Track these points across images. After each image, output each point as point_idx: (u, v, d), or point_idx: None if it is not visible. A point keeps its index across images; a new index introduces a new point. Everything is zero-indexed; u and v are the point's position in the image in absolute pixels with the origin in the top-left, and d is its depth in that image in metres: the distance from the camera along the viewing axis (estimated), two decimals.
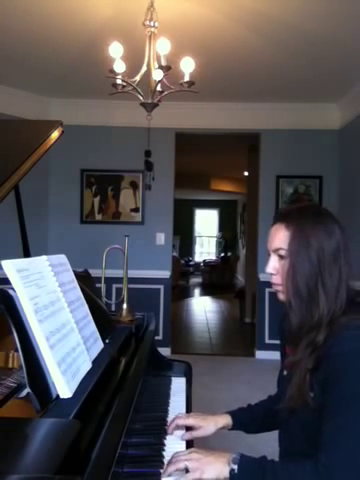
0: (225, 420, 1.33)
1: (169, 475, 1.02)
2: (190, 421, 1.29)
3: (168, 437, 1.26)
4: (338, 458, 0.93)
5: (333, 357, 1.01)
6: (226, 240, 14.63)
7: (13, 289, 0.92)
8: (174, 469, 1.02)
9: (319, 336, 1.05)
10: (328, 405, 1.00)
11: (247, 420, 1.37)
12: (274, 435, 1.27)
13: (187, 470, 1.01)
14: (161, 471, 1.05)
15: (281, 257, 1.12)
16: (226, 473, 0.98)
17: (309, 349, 1.06)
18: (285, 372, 1.21)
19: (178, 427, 1.29)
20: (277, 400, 1.20)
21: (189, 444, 1.27)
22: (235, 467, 0.97)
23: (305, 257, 1.07)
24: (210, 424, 1.29)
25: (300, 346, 1.08)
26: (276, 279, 1.14)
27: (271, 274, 1.15)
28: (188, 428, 1.30)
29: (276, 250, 1.13)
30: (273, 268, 1.14)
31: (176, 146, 5.07)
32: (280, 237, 1.11)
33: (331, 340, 1.03)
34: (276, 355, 1.34)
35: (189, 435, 1.25)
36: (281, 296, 1.15)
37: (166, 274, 5.10)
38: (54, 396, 0.91)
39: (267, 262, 1.16)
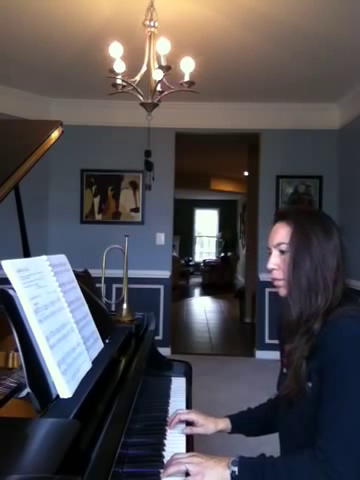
0: (224, 424, 1.36)
1: (169, 476, 1.02)
2: (192, 416, 1.32)
3: (168, 437, 1.26)
4: (336, 442, 0.94)
5: (328, 343, 1.03)
6: (226, 240, 14.63)
7: (13, 289, 0.91)
8: (176, 470, 1.02)
9: (315, 325, 1.09)
10: (324, 390, 1.01)
11: (246, 424, 1.39)
12: (275, 437, 1.27)
13: (187, 473, 1.01)
14: (161, 471, 1.05)
15: (282, 252, 1.17)
16: (227, 477, 0.98)
17: (305, 337, 1.10)
18: (285, 369, 1.22)
19: (180, 422, 1.31)
20: (276, 402, 1.22)
21: (189, 441, 1.28)
22: (235, 469, 0.98)
23: (306, 251, 1.12)
24: (210, 424, 1.32)
25: (297, 335, 1.12)
26: (278, 274, 1.18)
27: (272, 269, 1.19)
28: (189, 424, 1.32)
29: (278, 245, 1.17)
30: (274, 263, 1.18)
31: (176, 146, 5.07)
32: (281, 233, 1.17)
33: (326, 328, 1.06)
34: (276, 355, 1.35)
35: (189, 430, 1.28)
36: (282, 291, 1.17)
37: (166, 274, 5.10)
38: (54, 396, 0.91)
39: (268, 260, 1.19)
